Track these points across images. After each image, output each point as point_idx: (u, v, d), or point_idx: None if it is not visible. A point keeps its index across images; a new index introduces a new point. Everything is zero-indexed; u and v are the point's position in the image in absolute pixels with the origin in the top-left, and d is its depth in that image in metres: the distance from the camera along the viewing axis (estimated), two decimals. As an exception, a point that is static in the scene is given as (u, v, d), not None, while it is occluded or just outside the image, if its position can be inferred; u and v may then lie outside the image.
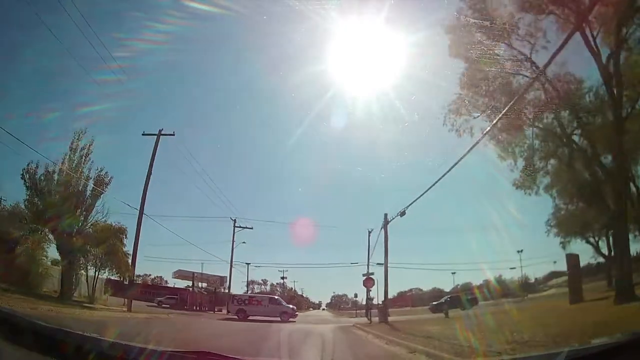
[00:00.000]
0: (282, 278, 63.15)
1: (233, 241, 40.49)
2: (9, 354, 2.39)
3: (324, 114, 36.00)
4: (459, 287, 46.63)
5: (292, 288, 77.62)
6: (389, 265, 26.16)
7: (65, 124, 34.72)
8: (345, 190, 76.17)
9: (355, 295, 48.09)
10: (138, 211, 24.09)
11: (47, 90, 39.63)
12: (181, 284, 48.18)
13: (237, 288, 72.60)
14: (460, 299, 32.48)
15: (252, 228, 41.01)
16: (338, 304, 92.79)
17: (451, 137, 18.77)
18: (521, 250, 42.85)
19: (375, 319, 24.50)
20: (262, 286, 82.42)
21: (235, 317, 28.57)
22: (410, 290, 59.06)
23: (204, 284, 47.61)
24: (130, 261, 24.52)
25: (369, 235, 36.37)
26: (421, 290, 58.03)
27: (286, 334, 13.12)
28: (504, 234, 42.06)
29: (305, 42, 24.14)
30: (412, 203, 21.40)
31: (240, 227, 40.84)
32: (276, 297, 35.24)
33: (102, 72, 22.76)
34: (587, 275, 37.08)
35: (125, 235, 25.68)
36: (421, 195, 19.34)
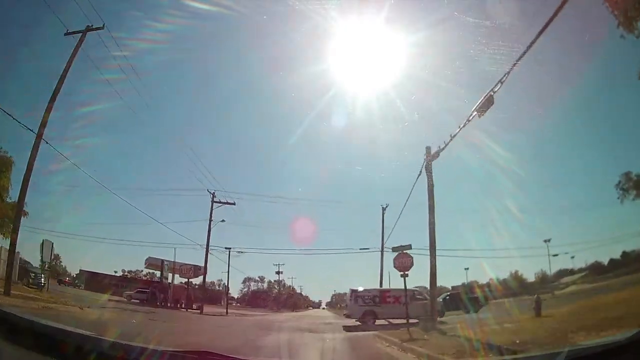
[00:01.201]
0: (278, 273, 62.76)
1: (210, 220, 35.49)
2: (8, 354, 2.54)
3: (325, 113, 37.03)
4: (464, 284, 46.38)
5: (290, 285, 78.17)
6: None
7: (65, 124, 35.53)
8: (345, 187, 77.25)
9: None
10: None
11: (46, 89, 40.85)
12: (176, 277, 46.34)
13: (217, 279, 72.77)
14: (461, 297, 28.04)
15: (234, 204, 36.25)
16: (339, 303, 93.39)
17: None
18: (549, 240, 41.16)
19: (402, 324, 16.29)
20: (260, 283, 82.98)
21: (359, 323, 22.65)
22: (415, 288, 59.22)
23: (176, 275, 42.13)
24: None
25: (383, 214, 35.26)
26: (426, 288, 58.15)
27: None
28: (518, 225, 41.99)
29: (306, 42, 25.04)
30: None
31: (219, 202, 35.77)
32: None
33: (107, 71, 23.15)
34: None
35: (9, 169, 18.55)
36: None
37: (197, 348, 2.83)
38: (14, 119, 16.31)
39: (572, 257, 53.62)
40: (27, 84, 37.36)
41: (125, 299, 35.22)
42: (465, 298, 26.72)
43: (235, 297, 78.31)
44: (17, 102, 34.94)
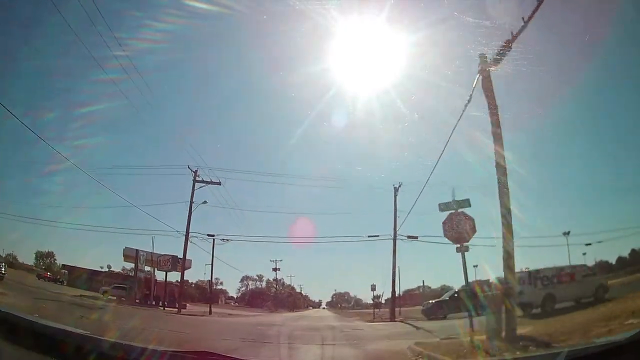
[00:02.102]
0: (275, 270, 62.51)
1: (191, 202, 32.27)
2: (9, 354, 2.64)
3: (325, 112, 37.90)
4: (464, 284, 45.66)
5: (290, 284, 78.37)
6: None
7: (64, 124, 35.93)
8: (345, 187, 78.23)
9: (373, 288, 42.31)
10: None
11: (46, 89, 41.86)
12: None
13: (199, 273, 72.55)
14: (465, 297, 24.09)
15: (219, 183, 33.03)
16: (339, 302, 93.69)
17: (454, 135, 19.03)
18: (568, 232, 40.30)
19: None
20: (258, 282, 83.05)
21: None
22: (419, 287, 59.48)
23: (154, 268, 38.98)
24: None
25: (395, 194, 33.93)
26: (430, 287, 58.43)
27: None
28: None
29: (306, 42, 25.77)
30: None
31: (202, 181, 32.43)
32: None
33: (109, 70, 23.16)
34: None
35: None
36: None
37: (195, 348, 2.93)
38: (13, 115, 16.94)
39: (584, 254, 53.46)
40: (26, 82, 37.87)
41: (100, 295, 33.25)
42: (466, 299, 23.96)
43: (235, 296, 78.44)
44: (15, 100, 35.38)
